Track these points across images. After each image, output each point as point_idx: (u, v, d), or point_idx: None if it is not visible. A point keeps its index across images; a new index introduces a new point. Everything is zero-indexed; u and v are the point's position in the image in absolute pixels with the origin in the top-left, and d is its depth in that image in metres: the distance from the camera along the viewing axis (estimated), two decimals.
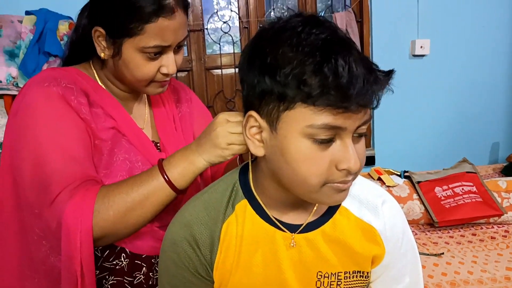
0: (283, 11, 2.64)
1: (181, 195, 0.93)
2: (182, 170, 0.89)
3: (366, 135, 0.68)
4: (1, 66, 1.91)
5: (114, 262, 0.95)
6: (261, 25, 2.51)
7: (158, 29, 0.91)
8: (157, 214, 0.92)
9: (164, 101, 1.13)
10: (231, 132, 0.84)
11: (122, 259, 0.96)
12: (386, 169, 2.13)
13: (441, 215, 1.83)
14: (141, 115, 1.09)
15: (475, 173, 2.04)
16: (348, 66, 0.58)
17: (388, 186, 1.97)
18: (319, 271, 0.76)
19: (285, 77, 0.60)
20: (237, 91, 2.62)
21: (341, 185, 0.65)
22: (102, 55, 0.96)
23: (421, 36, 2.57)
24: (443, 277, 1.47)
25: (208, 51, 2.61)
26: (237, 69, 2.56)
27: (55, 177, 0.85)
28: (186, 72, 2.55)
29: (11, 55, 1.94)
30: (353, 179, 0.68)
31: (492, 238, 1.74)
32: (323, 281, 0.77)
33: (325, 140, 0.62)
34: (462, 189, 1.93)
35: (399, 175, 2.11)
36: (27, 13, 2.01)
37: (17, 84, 1.93)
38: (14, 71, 1.93)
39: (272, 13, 2.59)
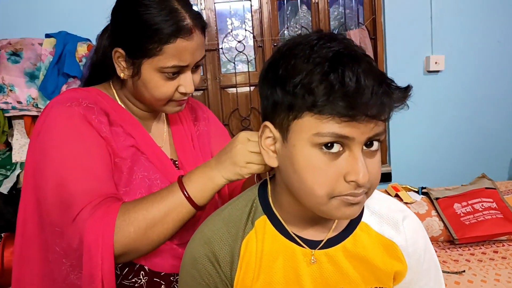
0: (296, 29, 2.67)
1: (199, 212, 0.93)
2: (201, 186, 0.90)
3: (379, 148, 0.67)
4: (21, 87, 1.96)
5: (133, 280, 0.95)
6: (275, 44, 2.55)
7: (176, 50, 0.92)
8: (176, 231, 0.92)
9: (182, 119, 1.15)
10: (251, 151, 0.85)
11: (141, 277, 0.96)
12: (403, 186, 2.11)
13: (461, 232, 1.80)
14: (160, 133, 1.11)
15: (495, 188, 2.01)
16: (356, 77, 0.58)
17: (406, 203, 1.95)
18: None
19: (294, 87, 0.61)
20: (252, 109, 2.64)
21: (350, 198, 0.64)
22: (121, 75, 0.98)
23: (436, 52, 2.57)
24: None
25: (223, 70, 2.64)
26: (251, 88, 2.59)
27: (77, 196, 0.87)
28: (201, 91, 2.58)
29: (32, 76, 1.99)
30: (367, 194, 0.66)
31: None
32: None
33: (332, 149, 0.62)
34: (482, 205, 1.90)
35: (417, 192, 2.09)
36: (47, 36, 2.07)
37: (36, 105, 1.97)
38: (34, 92, 1.97)
39: (286, 31, 2.61)
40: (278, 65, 0.65)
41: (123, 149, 0.97)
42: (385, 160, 2.70)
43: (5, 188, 1.88)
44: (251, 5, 2.57)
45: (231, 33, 2.58)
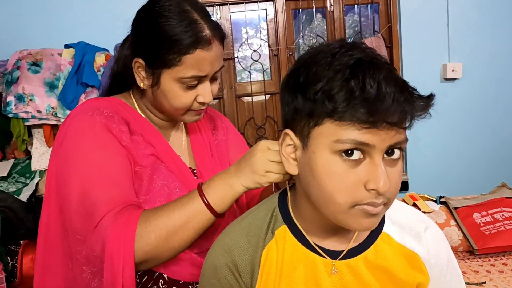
0: (311, 38, 2.67)
1: (218, 221, 0.94)
2: (221, 193, 0.90)
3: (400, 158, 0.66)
4: (41, 97, 2.00)
5: None
6: (290, 53, 2.55)
7: (196, 60, 0.93)
8: (196, 240, 0.92)
9: (201, 128, 1.16)
10: (270, 160, 0.85)
11: (160, 285, 0.96)
12: (421, 195, 2.08)
13: (481, 242, 1.77)
14: (179, 142, 1.12)
15: None
16: (377, 84, 0.58)
17: (424, 212, 1.92)
18: None
19: (315, 93, 0.61)
20: (267, 118, 2.64)
21: (370, 208, 0.63)
22: (141, 85, 0.99)
23: (453, 60, 2.55)
24: None
25: (238, 78, 2.66)
26: (267, 96, 2.59)
27: (99, 203, 0.88)
28: (217, 100, 2.60)
29: (51, 86, 2.02)
30: (386, 205, 0.65)
31: None
32: None
33: (353, 156, 0.61)
34: (502, 215, 1.87)
35: (435, 201, 2.06)
36: (66, 46, 2.11)
37: (56, 114, 2.00)
38: (53, 101, 2.00)
39: (301, 40, 2.62)
40: (300, 73, 0.65)
41: (143, 158, 0.98)
42: (402, 169, 2.68)
43: (24, 196, 1.91)
44: (266, 14, 2.58)
45: (246, 42, 2.60)
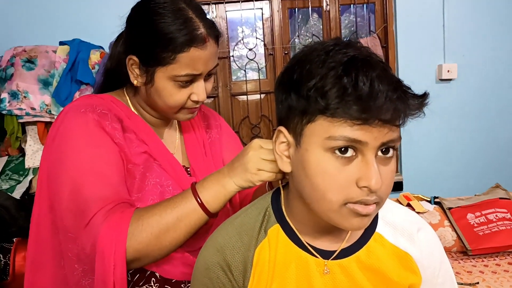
0: (307, 37, 2.67)
1: (211, 220, 0.93)
2: (214, 193, 0.90)
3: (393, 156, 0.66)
4: (35, 94, 1.99)
5: (144, 287, 0.95)
6: (286, 52, 2.55)
7: (190, 59, 0.93)
8: (188, 239, 0.92)
9: (195, 127, 1.15)
10: (263, 159, 0.85)
11: (152, 284, 0.96)
12: (415, 195, 2.09)
13: (474, 242, 1.78)
14: (172, 140, 1.11)
15: (509, 199, 1.98)
16: (370, 81, 0.58)
17: (418, 213, 1.93)
18: None
19: (308, 90, 0.61)
20: (262, 117, 2.64)
21: (361, 208, 0.62)
22: (135, 82, 0.98)
23: (448, 61, 2.56)
24: None
25: (234, 77, 2.65)
26: (262, 95, 2.59)
27: (91, 201, 0.87)
28: (212, 99, 2.60)
29: (45, 83, 2.01)
30: (378, 205, 0.65)
31: None
32: None
33: (345, 154, 0.61)
34: (496, 215, 1.87)
35: (429, 201, 2.06)
36: (61, 43, 2.10)
37: (50, 111, 1.99)
38: (47, 98, 2.00)
39: (296, 40, 2.62)
40: (293, 70, 0.65)
41: (136, 156, 0.97)
42: (396, 169, 2.69)
43: (17, 194, 1.90)
44: (262, 13, 2.58)
45: (242, 41, 2.60)
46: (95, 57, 2.07)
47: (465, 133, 2.65)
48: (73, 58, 2.03)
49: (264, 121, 2.65)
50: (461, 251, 1.83)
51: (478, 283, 1.57)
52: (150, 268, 0.95)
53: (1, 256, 1.75)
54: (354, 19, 2.66)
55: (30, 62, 2.01)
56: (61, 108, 1.91)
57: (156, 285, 0.96)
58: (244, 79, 2.60)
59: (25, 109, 1.98)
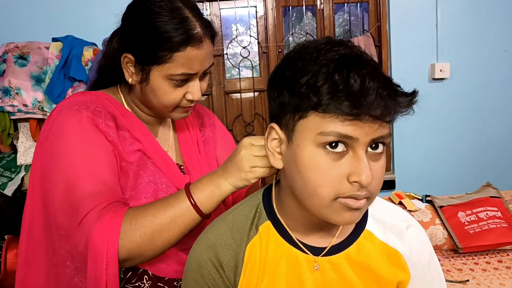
0: (301, 36, 2.68)
1: (205, 220, 0.93)
2: (208, 194, 0.90)
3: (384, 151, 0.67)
4: (28, 91, 1.97)
5: (137, 284, 0.96)
6: (280, 50, 2.56)
7: (186, 58, 0.93)
8: (182, 238, 0.92)
9: (189, 125, 1.16)
10: (255, 155, 0.85)
11: (145, 281, 0.96)
12: (407, 193, 2.10)
13: (465, 241, 1.79)
14: (166, 138, 1.11)
15: (500, 198, 2.00)
16: (361, 78, 0.59)
17: (410, 211, 1.94)
18: None
19: (300, 87, 0.62)
20: (256, 115, 2.64)
21: (352, 201, 0.63)
22: (130, 80, 0.98)
23: (441, 60, 2.58)
24: None
25: (228, 75, 2.65)
26: (256, 93, 2.59)
27: (84, 199, 0.87)
28: (206, 96, 2.59)
29: (38, 80, 2.00)
30: (369, 200, 0.66)
31: None
32: None
33: (336, 149, 0.62)
34: (487, 214, 1.89)
35: (421, 200, 2.08)
36: (54, 40, 2.08)
37: (42, 108, 1.98)
38: (40, 95, 1.98)
39: (290, 38, 2.62)
40: (286, 68, 0.66)
41: (130, 154, 0.97)
42: (389, 168, 2.70)
43: (9, 191, 1.89)
44: (256, 11, 2.58)
45: (236, 39, 2.60)
46: (88, 54, 2.05)
47: (457, 132, 2.67)
48: (66, 55, 2.01)
49: (257, 119, 2.65)
50: (452, 249, 1.85)
51: (468, 280, 1.58)
52: (143, 266, 0.95)
53: None
54: (348, 17, 2.67)
55: (22, 58, 1.99)
56: (54, 105, 1.91)
57: (148, 283, 0.96)
58: (238, 77, 2.60)
59: (17, 106, 1.96)
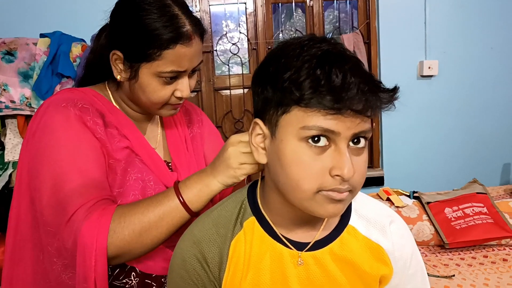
0: (291, 33, 2.68)
1: (195, 217, 0.94)
2: (197, 192, 0.91)
3: (367, 145, 0.68)
4: (15, 87, 1.96)
5: (124, 281, 0.96)
6: (269, 47, 2.56)
7: (175, 56, 0.93)
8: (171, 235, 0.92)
9: (176, 122, 1.16)
10: (243, 152, 0.86)
11: (132, 278, 0.96)
12: (395, 190, 2.12)
13: (451, 236, 1.82)
14: (154, 135, 1.11)
15: (486, 194, 2.03)
16: (343, 74, 0.60)
17: (397, 207, 1.96)
18: None
19: (283, 82, 0.63)
20: (246, 112, 2.64)
21: (334, 193, 0.64)
22: (118, 77, 0.98)
23: (429, 57, 2.60)
24: None
25: (217, 72, 2.65)
26: (245, 90, 2.59)
27: (72, 196, 0.87)
28: (195, 93, 2.59)
29: (25, 76, 1.98)
30: (352, 193, 0.67)
31: (504, 260, 1.72)
32: None
33: (319, 143, 0.63)
34: (473, 210, 1.92)
35: (408, 196, 2.10)
36: (42, 35, 2.06)
37: (30, 104, 1.96)
38: (27, 92, 1.97)
39: (280, 35, 2.63)
40: (270, 64, 0.68)
41: (118, 151, 0.97)
42: (377, 164, 2.72)
43: None
44: (246, 8, 2.58)
45: (225, 36, 2.59)
46: (76, 50, 2.04)
47: (444, 129, 2.70)
48: (54, 51, 2.00)
49: (247, 115, 2.66)
50: (438, 245, 1.88)
51: (454, 275, 1.61)
52: (130, 263, 0.96)
53: None
54: (338, 14, 2.67)
55: (9, 54, 1.97)
56: (42, 102, 1.89)
57: (136, 279, 0.97)
58: (228, 73, 2.60)
59: (4, 102, 1.94)
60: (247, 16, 2.59)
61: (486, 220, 1.85)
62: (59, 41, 2.03)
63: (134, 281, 0.96)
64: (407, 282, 0.80)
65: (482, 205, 1.94)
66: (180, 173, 1.07)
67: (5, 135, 2.02)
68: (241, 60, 2.61)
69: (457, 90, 2.67)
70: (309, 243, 0.76)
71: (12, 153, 1.99)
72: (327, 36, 0.70)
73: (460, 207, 1.95)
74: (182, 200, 0.90)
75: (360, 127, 0.63)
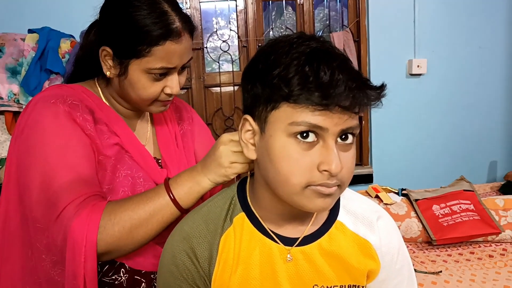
0: (281, 30, 2.69)
1: (185, 214, 0.94)
2: (187, 189, 0.91)
3: (355, 141, 0.69)
4: (3, 83, 1.94)
5: (114, 277, 0.96)
6: (260, 44, 2.56)
7: (165, 52, 0.93)
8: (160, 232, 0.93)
9: (167, 119, 1.16)
10: (234, 151, 0.86)
11: (122, 274, 0.96)
12: (383, 187, 2.14)
13: (439, 233, 1.84)
14: (144, 132, 1.11)
15: (473, 191, 2.05)
16: (331, 70, 0.61)
17: (386, 204, 1.98)
18: (315, 285, 0.77)
19: (272, 79, 0.64)
20: (236, 109, 2.64)
21: (323, 188, 0.66)
22: (108, 74, 0.98)
23: (418, 56, 2.62)
24: None
25: (208, 69, 2.65)
26: (235, 87, 2.60)
27: (62, 193, 0.87)
28: (185, 90, 2.58)
29: (13, 72, 1.97)
30: (340, 188, 0.68)
31: (490, 256, 1.75)
32: None
33: (307, 139, 0.64)
34: (460, 207, 1.94)
35: (397, 193, 2.12)
36: (30, 31, 2.05)
37: (18, 100, 1.95)
38: (15, 88, 1.95)
39: (270, 32, 2.63)
40: (259, 61, 0.69)
41: (107, 147, 0.97)
42: (366, 162, 2.74)
43: None
44: (236, 5, 2.58)
45: (216, 33, 2.59)
46: (65, 46, 2.03)
47: (433, 127, 2.72)
48: (43, 47, 1.98)
49: (237, 113, 2.66)
50: (426, 241, 1.90)
51: (441, 271, 1.63)
52: (120, 259, 0.96)
53: None
54: (328, 13, 2.69)
55: None
56: (30, 98, 1.88)
57: (125, 276, 0.97)
58: (218, 71, 2.60)
59: None
60: (238, 13, 2.59)
61: (473, 217, 1.87)
62: (48, 37, 2.01)
63: (123, 277, 0.96)
64: (394, 276, 0.82)
65: (469, 202, 1.97)
66: (170, 170, 1.07)
67: None
68: (231, 58, 2.61)
69: (445, 88, 2.70)
70: (298, 238, 0.77)
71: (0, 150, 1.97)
72: (317, 34, 0.71)
73: (448, 204, 1.97)
74: (172, 197, 0.90)
75: (348, 124, 0.64)
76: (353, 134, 0.67)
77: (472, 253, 1.79)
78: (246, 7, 2.57)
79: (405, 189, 2.14)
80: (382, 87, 0.65)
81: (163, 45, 0.92)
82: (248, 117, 0.71)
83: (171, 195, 0.90)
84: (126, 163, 0.99)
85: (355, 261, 0.77)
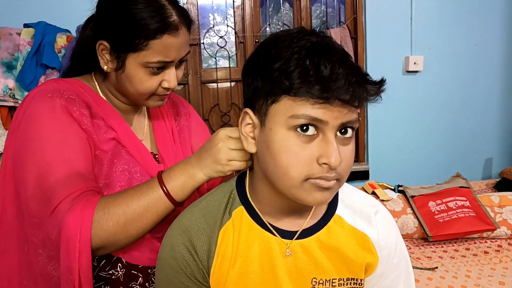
0: (278, 27, 2.68)
1: (179, 208, 0.94)
2: (181, 183, 0.91)
3: (354, 135, 0.69)
4: None
5: (110, 272, 0.96)
6: (257, 40, 2.56)
7: (162, 46, 0.93)
8: (155, 226, 0.92)
9: (164, 114, 1.15)
10: (232, 149, 0.86)
11: (118, 269, 0.96)
12: (380, 183, 2.14)
13: (435, 229, 1.85)
14: (141, 127, 1.11)
15: (468, 188, 2.07)
16: (331, 64, 0.62)
17: (382, 200, 1.99)
18: (314, 278, 0.77)
19: (273, 72, 0.64)
20: (233, 105, 2.64)
21: (322, 181, 0.66)
22: (105, 68, 0.97)
23: (415, 53, 2.62)
24: None
25: (204, 65, 2.64)
26: (232, 83, 2.59)
27: (57, 188, 0.86)
28: (182, 86, 2.58)
29: (9, 67, 1.95)
30: (339, 181, 0.68)
31: (486, 252, 1.76)
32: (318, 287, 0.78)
33: (307, 132, 0.64)
34: (456, 203, 1.95)
35: (393, 190, 2.13)
36: (26, 25, 2.03)
37: (13, 95, 1.94)
38: (11, 82, 1.94)
39: (267, 28, 2.63)
40: (260, 55, 0.69)
41: (104, 142, 0.97)
42: (363, 158, 2.75)
43: None
44: (233, 1, 2.57)
45: (213, 29, 2.58)
46: (61, 40, 2.01)
47: (429, 124, 2.73)
48: (39, 42, 1.97)
49: (234, 109, 2.66)
50: (422, 238, 1.91)
51: (437, 267, 1.64)
52: (116, 254, 0.95)
53: None
54: (325, 9, 2.68)
55: None
56: (26, 93, 1.87)
57: (122, 270, 0.96)
58: (215, 66, 2.59)
59: None
60: (235, 9, 2.58)
61: (468, 213, 1.89)
62: (44, 32, 2.00)
63: (120, 272, 0.96)
64: (392, 271, 0.82)
65: (464, 198, 1.98)
66: (167, 165, 1.07)
67: None
68: (228, 54, 2.60)
69: (442, 85, 2.71)
70: (297, 231, 0.77)
71: None
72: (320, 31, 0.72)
73: (444, 200, 1.98)
74: (166, 191, 0.90)
75: (347, 117, 0.65)
76: (352, 128, 0.68)
77: (467, 249, 1.80)
78: (243, 3, 2.56)
79: (401, 186, 2.14)
80: (382, 82, 0.66)
81: (160, 39, 0.92)
82: (249, 110, 0.71)
83: (164, 188, 0.90)
84: (123, 158, 0.99)
85: (353, 254, 0.78)
